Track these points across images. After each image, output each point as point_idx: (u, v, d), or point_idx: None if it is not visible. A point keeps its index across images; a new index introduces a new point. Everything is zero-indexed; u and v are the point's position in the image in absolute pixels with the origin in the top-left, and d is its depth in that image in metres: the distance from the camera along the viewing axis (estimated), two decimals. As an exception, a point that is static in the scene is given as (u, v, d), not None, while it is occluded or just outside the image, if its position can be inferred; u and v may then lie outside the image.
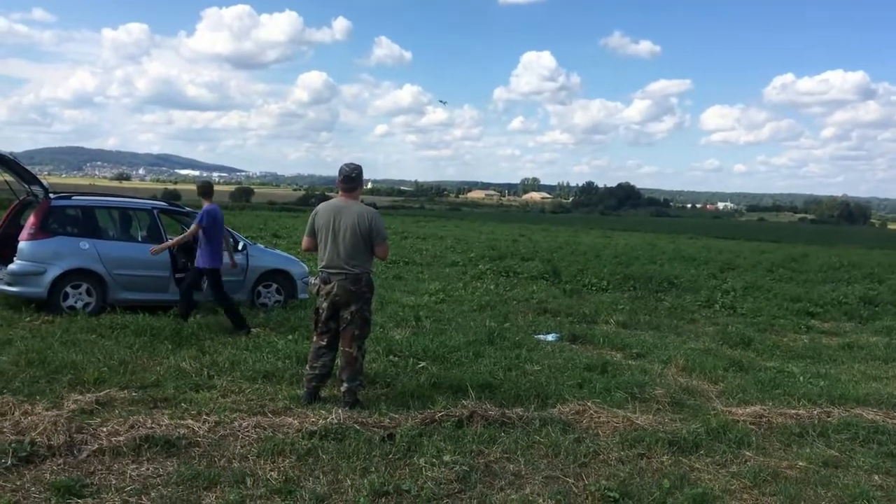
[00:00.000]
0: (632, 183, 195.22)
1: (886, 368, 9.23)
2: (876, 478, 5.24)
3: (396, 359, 7.87)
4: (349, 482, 4.62)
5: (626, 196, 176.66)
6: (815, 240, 53.16)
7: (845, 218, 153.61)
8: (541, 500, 4.49)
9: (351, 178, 6.28)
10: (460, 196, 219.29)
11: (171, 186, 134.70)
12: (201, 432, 5.24)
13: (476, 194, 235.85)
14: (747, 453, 5.57)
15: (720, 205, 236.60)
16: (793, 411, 6.68)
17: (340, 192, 6.34)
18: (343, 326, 6.22)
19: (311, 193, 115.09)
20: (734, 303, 14.14)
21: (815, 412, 6.68)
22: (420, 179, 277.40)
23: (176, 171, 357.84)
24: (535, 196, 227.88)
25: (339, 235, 6.10)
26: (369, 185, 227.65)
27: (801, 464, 5.41)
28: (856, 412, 6.75)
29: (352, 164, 6.31)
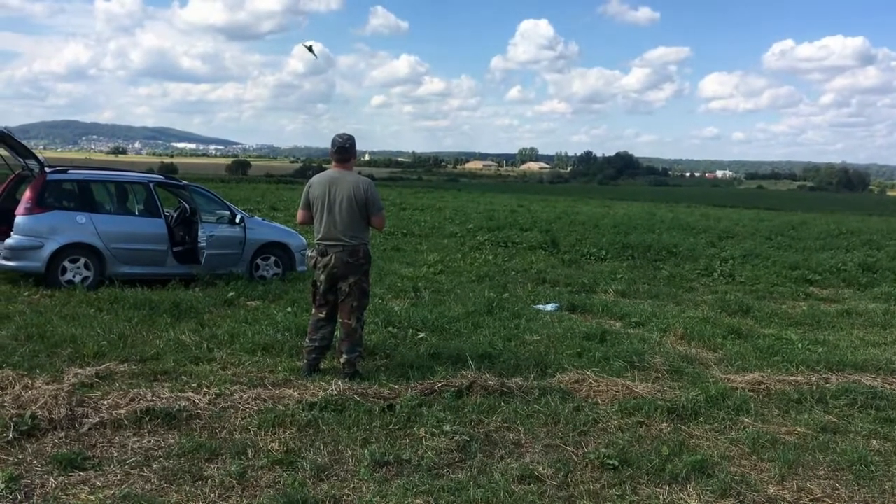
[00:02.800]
0: (630, 152, 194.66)
1: (885, 334, 9.25)
2: (874, 443, 5.26)
3: (396, 330, 7.89)
4: (349, 453, 4.64)
5: (624, 165, 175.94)
6: (813, 207, 53.11)
7: (844, 185, 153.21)
8: (540, 468, 4.51)
9: (344, 149, 6.24)
10: (458, 167, 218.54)
11: (167, 160, 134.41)
12: (202, 405, 5.26)
13: (474, 165, 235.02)
14: (746, 420, 5.60)
15: (719, 173, 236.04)
16: (791, 378, 6.71)
17: (334, 164, 6.30)
18: (341, 298, 6.22)
19: (308, 165, 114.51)
20: (733, 271, 14.13)
21: (814, 378, 6.71)
22: (418, 150, 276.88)
23: (172, 144, 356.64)
24: (534, 166, 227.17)
25: (335, 207, 6.07)
26: (367, 157, 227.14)
27: (799, 430, 5.44)
28: (854, 378, 6.77)
29: (345, 134, 6.26)
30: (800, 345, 8.14)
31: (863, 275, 14.19)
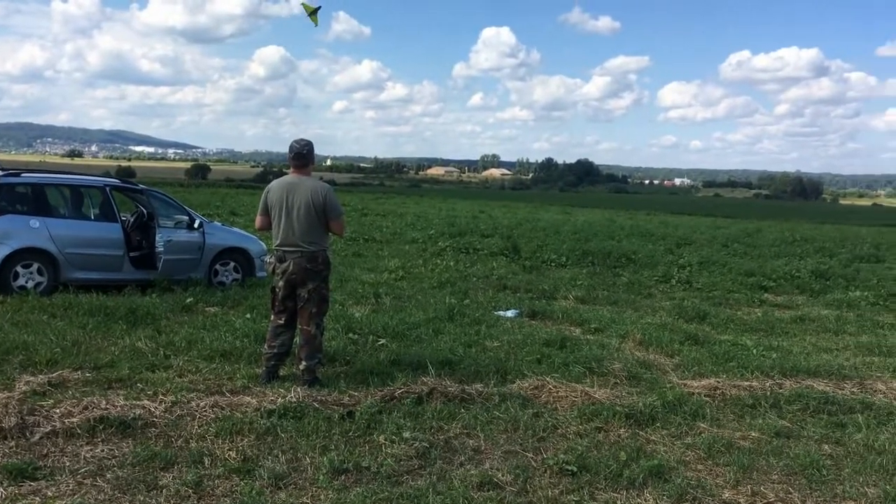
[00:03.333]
0: (591, 159, 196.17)
1: (837, 340, 9.46)
2: (826, 447, 5.38)
3: (356, 336, 7.85)
4: (308, 460, 4.61)
5: (585, 172, 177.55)
6: (769, 215, 54.10)
7: (798, 193, 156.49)
8: (500, 475, 4.53)
9: (302, 155, 6.20)
10: (420, 173, 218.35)
11: (124, 163, 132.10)
12: (157, 412, 5.18)
13: (436, 171, 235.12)
14: (702, 425, 5.68)
15: (677, 181, 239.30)
16: (746, 383, 6.82)
17: (293, 169, 6.27)
18: (300, 305, 6.17)
19: (268, 170, 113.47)
20: (690, 277, 14.35)
21: (768, 384, 6.83)
22: (380, 156, 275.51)
23: (130, 147, 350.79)
24: (495, 172, 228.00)
25: (293, 212, 6.04)
26: (328, 162, 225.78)
27: (753, 434, 5.54)
28: (807, 383, 6.91)
29: (302, 140, 6.23)
30: (755, 351, 8.28)
31: (816, 281, 14.51)
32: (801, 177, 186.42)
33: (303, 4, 7.95)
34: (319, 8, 7.97)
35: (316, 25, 8.19)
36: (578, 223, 29.91)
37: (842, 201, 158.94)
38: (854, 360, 8.25)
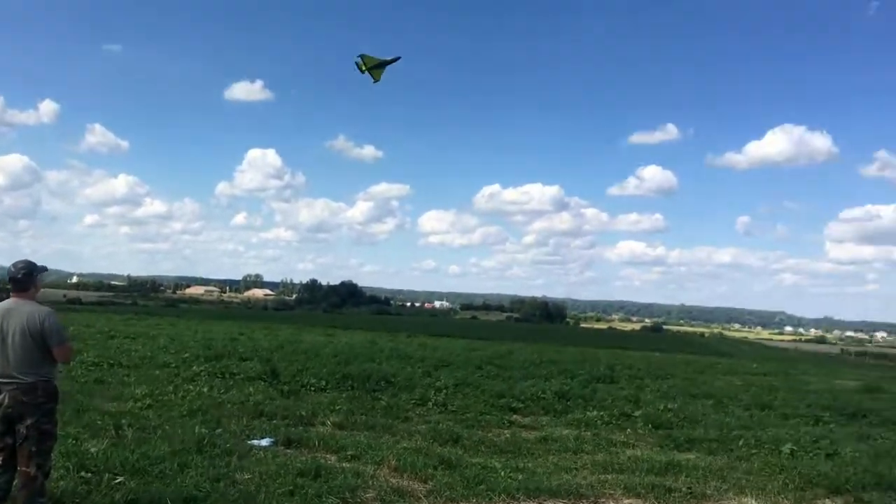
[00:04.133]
0: (355, 281, 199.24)
1: (576, 459, 10.10)
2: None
3: (89, 475, 7.14)
4: None
5: (349, 294, 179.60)
6: (519, 337, 57.63)
7: (545, 317, 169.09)
8: None
9: (17, 280, 5.77)
10: (178, 292, 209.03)
11: None
12: None
13: (195, 290, 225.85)
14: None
15: (437, 303, 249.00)
16: (494, 506, 7.03)
17: (12, 293, 5.79)
18: (19, 442, 5.56)
19: (3, 288, 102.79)
20: (446, 400, 14.75)
21: (513, 505, 7.09)
22: (133, 273, 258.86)
23: None
24: (258, 293, 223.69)
25: (8, 340, 5.54)
26: (74, 279, 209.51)
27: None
28: (548, 503, 7.27)
29: (20, 262, 5.79)
30: (502, 473, 8.61)
31: (559, 402, 15.51)
32: (547, 301, 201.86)
33: (362, 56, 7.11)
34: (394, 60, 7.11)
35: (375, 81, 7.37)
36: (340, 345, 29.90)
37: (582, 324, 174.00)
38: (590, 479, 8.83)
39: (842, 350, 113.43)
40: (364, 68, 7.81)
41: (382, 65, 7.85)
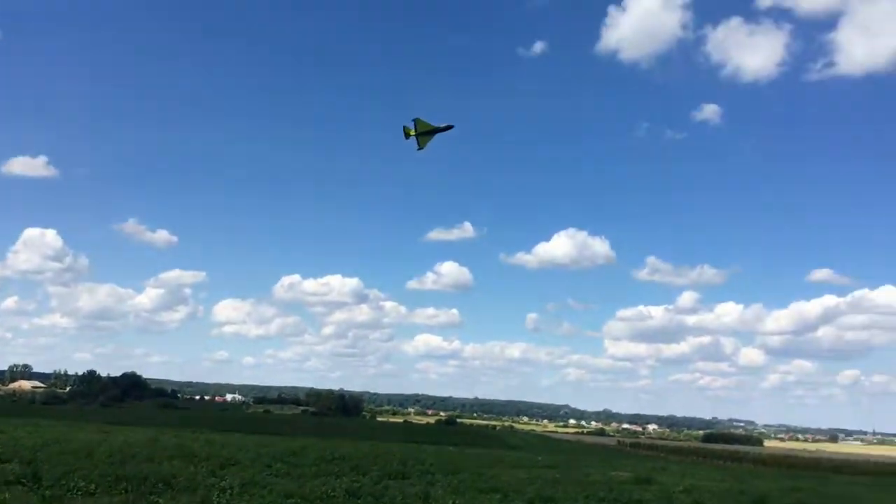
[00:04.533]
0: (139, 372, 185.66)
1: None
2: None
3: None
4: None
5: (131, 385, 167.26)
6: (314, 432, 56.29)
7: (341, 410, 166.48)
8: None
9: None
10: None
11: None
12: None
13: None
14: None
15: (229, 396, 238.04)
16: None
17: None
18: None
19: None
20: (231, 502, 14.04)
21: None
22: None
23: None
24: (25, 385, 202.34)
25: None
26: None
27: None
28: None
29: None
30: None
31: (349, 501, 15.25)
32: (344, 394, 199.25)
33: (416, 120, 6.04)
34: (448, 128, 6.10)
35: (419, 149, 6.36)
36: (117, 443, 27.73)
37: (379, 418, 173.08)
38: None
39: (618, 442, 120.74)
40: (413, 133, 7.52)
41: (434, 131, 7.60)
